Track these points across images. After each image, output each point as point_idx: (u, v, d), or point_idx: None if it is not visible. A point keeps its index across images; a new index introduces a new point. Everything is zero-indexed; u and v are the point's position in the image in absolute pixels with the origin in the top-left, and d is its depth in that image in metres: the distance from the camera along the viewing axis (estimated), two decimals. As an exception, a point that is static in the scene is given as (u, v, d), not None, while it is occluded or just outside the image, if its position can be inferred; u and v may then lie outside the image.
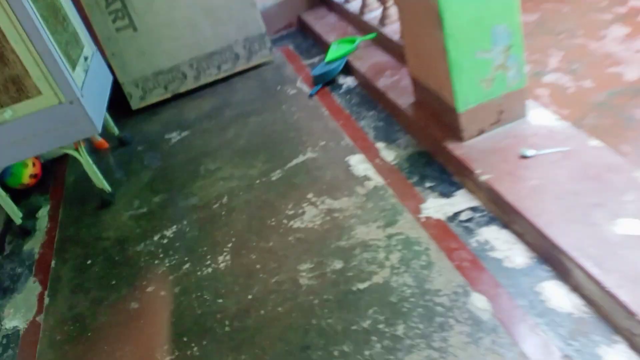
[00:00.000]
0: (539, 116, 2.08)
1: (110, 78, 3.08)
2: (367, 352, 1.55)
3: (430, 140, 2.24)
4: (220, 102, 3.33)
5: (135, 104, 3.45)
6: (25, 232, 2.59)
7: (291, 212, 2.19)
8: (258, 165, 2.59)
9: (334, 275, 1.84)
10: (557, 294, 1.54)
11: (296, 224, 2.12)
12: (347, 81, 3.05)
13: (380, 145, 2.44)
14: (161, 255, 2.19)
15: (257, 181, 2.47)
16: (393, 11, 2.92)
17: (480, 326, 1.52)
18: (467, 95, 1.97)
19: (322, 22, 3.74)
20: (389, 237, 1.92)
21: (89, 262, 2.30)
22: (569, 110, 2.29)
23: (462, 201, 1.98)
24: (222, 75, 3.55)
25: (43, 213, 2.76)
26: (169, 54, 3.39)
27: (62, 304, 2.11)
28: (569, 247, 1.52)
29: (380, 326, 1.61)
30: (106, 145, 3.17)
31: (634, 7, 2.86)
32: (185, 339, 1.78)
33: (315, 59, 3.46)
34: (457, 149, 2.04)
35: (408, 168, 2.24)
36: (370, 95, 2.85)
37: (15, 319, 2.11)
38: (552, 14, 3.11)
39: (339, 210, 2.12)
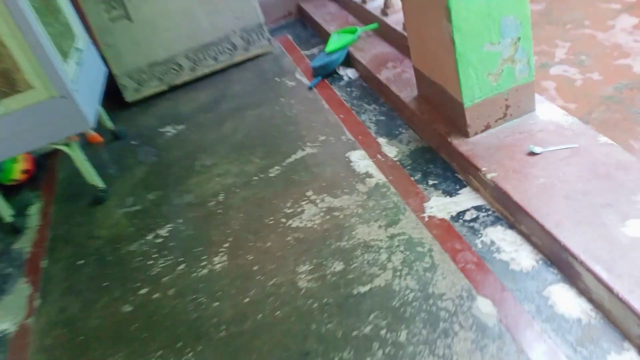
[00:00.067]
0: (547, 111, 2.02)
1: (104, 70, 3.00)
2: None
3: (434, 136, 2.17)
4: (217, 95, 3.26)
5: (129, 96, 3.37)
6: (16, 230, 2.52)
7: (290, 211, 2.13)
8: (256, 160, 2.52)
9: (334, 278, 1.78)
10: (564, 298, 1.50)
11: (295, 223, 2.06)
12: (348, 73, 2.98)
13: (382, 140, 2.37)
14: (155, 256, 2.13)
15: (255, 178, 2.40)
16: (396, 0, 2.84)
17: (485, 332, 1.48)
18: (473, 90, 1.90)
19: (322, 11, 3.66)
20: (391, 237, 1.86)
21: (80, 262, 2.24)
22: (577, 104, 2.23)
23: (466, 200, 1.92)
24: (219, 66, 3.48)
25: (34, 210, 2.70)
26: (164, 44, 3.31)
27: (53, 306, 2.05)
28: (577, 250, 1.48)
29: (382, 332, 1.56)
30: (100, 139, 3.10)
31: (644, -3, 2.78)
32: (179, 345, 1.73)
33: (315, 50, 3.39)
34: (462, 145, 1.98)
35: (411, 164, 2.17)
36: (371, 88, 2.78)
37: (5, 322, 2.05)
38: (559, 3, 3.03)
39: (339, 209, 2.05)
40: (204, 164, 2.62)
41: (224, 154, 2.66)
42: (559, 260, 1.56)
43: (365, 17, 3.18)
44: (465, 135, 2.00)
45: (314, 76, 3.05)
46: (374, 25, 3.02)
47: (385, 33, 2.94)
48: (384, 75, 2.63)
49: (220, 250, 2.05)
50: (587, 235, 1.51)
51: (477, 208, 1.87)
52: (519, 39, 1.85)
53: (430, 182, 2.05)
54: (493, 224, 1.79)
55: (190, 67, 3.42)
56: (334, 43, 3.09)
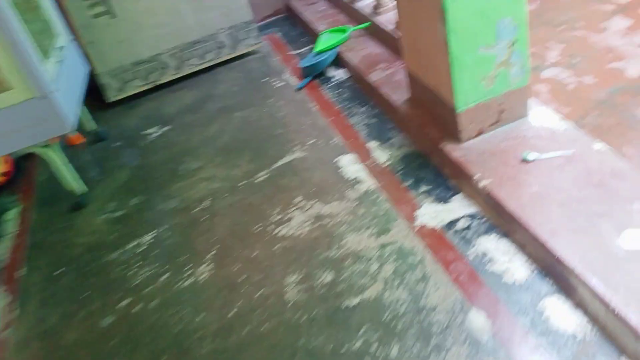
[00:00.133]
0: (541, 116, 1.98)
1: (86, 69, 2.90)
2: (358, 377, 1.45)
3: (426, 141, 2.12)
4: (203, 95, 3.17)
5: (112, 95, 3.28)
6: (-7, 236, 2.43)
7: (277, 218, 2.06)
8: (242, 164, 2.45)
9: (323, 290, 1.72)
10: (560, 311, 1.47)
11: (283, 231, 2.00)
12: (338, 74, 2.92)
13: (372, 144, 2.31)
14: (137, 265, 2.05)
15: (242, 183, 2.33)
16: (387, -1, 2.79)
17: (478, 348, 1.44)
18: (467, 94, 1.85)
19: (312, 9, 3.59)
20: (382, 246, 1.81)
21: (60, 270, 2.15)
22: (570, 108, 2.19)
23: (459, 207, 1.87)
24: (205, 65, 3.40)
25: (12, 215, 2.60)
26: (149, 42, 3.22)
27: (31, 317, 1.97)
28: (573, 261, 1.45)
29: (373, 347, 1.51)
30: (81, 140, 3.00)
31: (637, -2, 2.76)
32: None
33: (304, 49, 3.32)
34: (455, 150, 1.93)
35: (402, 170, 2.12)
36: (362, 90, 2.72)
37: (-20, 334, 1.96)
38: (552, 3, 2.99)
39: (328, 216, 2.00)
40: (189, 168, 2.55)
41: (210, 157, 2.58)
42: (554, 271, 1.52)
43: (356, 16, 3.12)
44: (458, 140, 1.95)
45: (302, 77, 2.98)
46: (366, 24, 2.96)
47: (376, 33, 2.89)
48: (374, 77, 2.58)
49: (205, 259, 1.98)
50: (582, 245, 1.47)
51: (470, 216, 1.83)
52: (514, 41, 1.80)
53: (422, 189, 2.00)
54: (486, 232, 1.75)
55: (175, 66, 3.34)
56: (323, 43, 3.03)
